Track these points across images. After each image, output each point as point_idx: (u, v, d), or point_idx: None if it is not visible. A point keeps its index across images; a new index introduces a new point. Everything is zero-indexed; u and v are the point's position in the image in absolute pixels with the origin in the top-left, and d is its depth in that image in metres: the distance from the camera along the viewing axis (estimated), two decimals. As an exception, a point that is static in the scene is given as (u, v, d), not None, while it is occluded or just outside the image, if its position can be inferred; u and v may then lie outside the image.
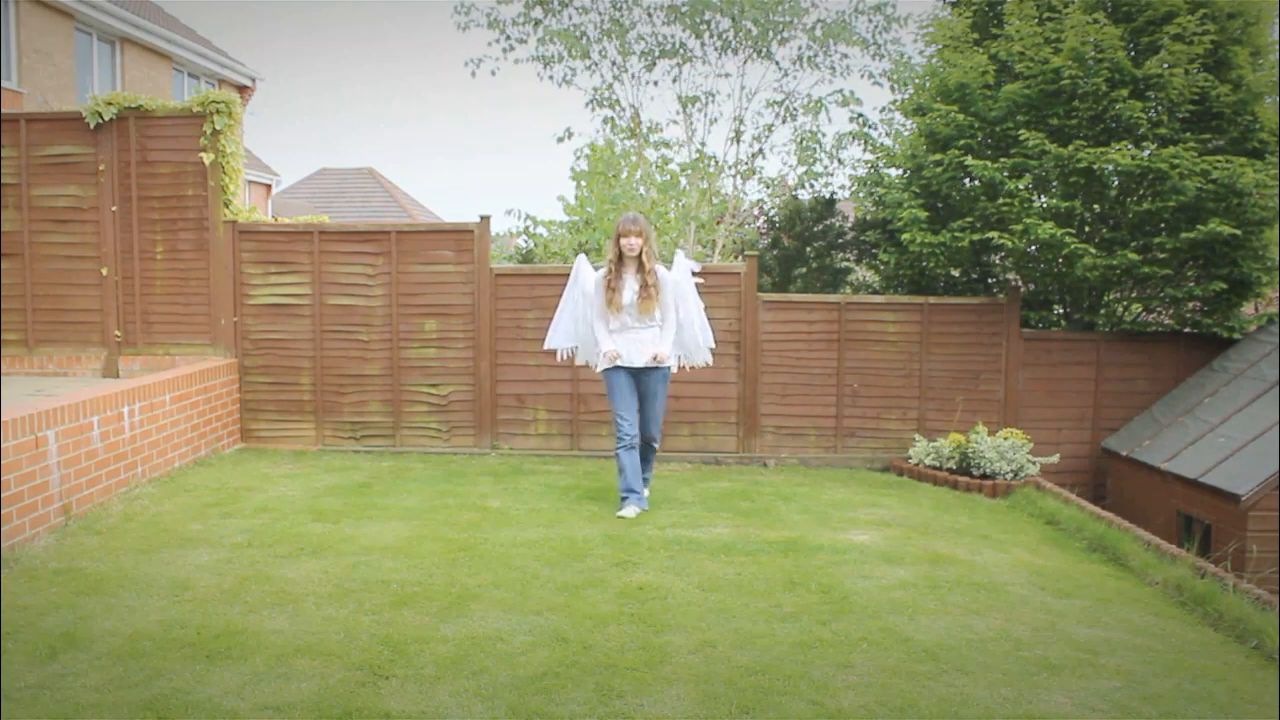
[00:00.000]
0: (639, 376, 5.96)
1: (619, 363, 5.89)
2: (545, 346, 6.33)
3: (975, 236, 8.08)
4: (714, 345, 6.30)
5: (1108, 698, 3.55)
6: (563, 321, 6.28)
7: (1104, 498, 8.05)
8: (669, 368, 6.03)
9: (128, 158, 7.82)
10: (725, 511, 6.19)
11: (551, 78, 11.59)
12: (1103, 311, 8.85)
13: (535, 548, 5.16)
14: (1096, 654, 3.98)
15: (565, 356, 6.34)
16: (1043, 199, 8.37)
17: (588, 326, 6.08)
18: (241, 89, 19.89)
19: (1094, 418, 8.39)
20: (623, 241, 5.82)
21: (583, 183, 12.31)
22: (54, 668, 3.51)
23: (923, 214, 8.27)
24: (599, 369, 6.00)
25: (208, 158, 7.76)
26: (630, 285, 5.85)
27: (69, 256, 7.92)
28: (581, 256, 6.27)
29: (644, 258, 5.82)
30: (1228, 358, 8.11)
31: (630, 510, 5.87)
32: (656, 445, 6.20)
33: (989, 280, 9.28)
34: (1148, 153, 7.81)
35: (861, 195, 9.68)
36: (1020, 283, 8.78)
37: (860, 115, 10.26)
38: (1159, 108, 8.02)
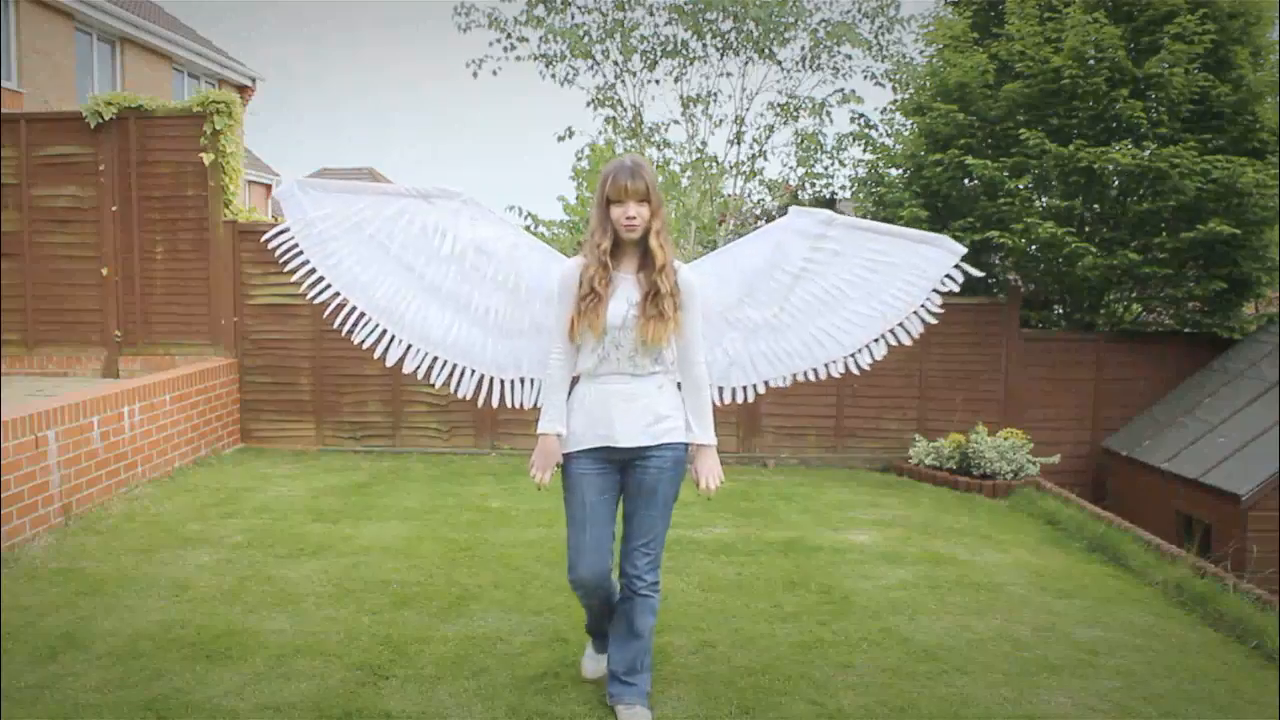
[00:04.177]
0: (626, 466, 3.12)
1: (587, 444, 3.12)
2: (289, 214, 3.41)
3: (975, 236, 8.08)
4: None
5: (1108, 698, 3.55)
6: (342, 244, 3.37)
7: (1104, 498, 8.05)
8: (686, 457, 3.13)
9: (128, 158, 7.82)
10: (725, 511, 6.18)
11: (554, 77, 11.58)
12: (1103, 311, 8.85)
13: (535, 548, 5.16)
14: (1096, 654, 3.98)
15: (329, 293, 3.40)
16: (1043, 198, 8.38)
17: (485, 327, 3.41)
18: (241, 89, 19.88)
19: (1094, 418, 8.39)
20: (615, 212, 2.97)
21: (583, 182, 12.31)
22: (54, 668, 3.51)
23: (923, 214, 8.27)
24: (531, 472, 3.22)
25: (208, 158, 7.75)
26: (626, 292, 3.01)
27: (69, 256, 7.92)
28: (468, 197, 3.33)
29: (653, 241, 2.99)
30: (1228, 358, 8.11)
31: (592, 667, 3.45)
32: (653, 595, 3.14)
33: (989, 280, 9.28)
34: (1148, 152, 7.81)
35: (862, 195, 9.67)
36: (1020, 283, 8.77)
37: (861, 115, 10.27)
38: (1159, 107, 8.02)
